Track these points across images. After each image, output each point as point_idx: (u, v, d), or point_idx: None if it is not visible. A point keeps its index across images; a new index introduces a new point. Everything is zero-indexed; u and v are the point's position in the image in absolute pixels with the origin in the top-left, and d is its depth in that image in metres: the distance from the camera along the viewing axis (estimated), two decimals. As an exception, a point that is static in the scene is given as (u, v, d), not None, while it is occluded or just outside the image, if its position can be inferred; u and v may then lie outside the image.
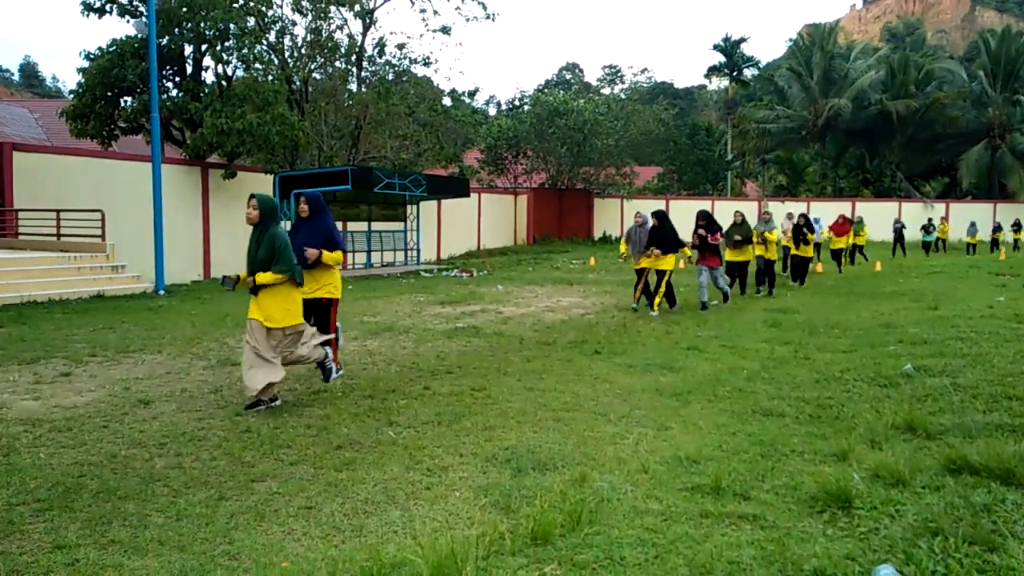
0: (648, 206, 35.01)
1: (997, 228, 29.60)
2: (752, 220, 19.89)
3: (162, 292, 14.32)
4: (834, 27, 45.99)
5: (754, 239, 13.51)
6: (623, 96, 56.06)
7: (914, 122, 40.11)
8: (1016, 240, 29.63)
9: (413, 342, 8.76)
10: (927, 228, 27.46)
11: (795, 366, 7.11)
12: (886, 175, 41.16)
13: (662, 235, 11.16)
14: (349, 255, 21.98)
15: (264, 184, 19.07)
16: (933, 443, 4.47)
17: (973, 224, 29.20)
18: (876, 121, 40.54)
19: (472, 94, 30.97)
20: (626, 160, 35.01)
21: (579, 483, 3.97)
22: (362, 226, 22.20)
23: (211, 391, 6.22)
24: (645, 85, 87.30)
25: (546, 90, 45.70)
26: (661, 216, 11.32)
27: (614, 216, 35.71)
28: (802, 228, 15.14)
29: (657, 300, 11.18)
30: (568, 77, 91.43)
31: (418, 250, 23.70)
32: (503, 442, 4.78)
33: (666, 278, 11.21)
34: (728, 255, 13.18)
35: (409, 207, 23.40)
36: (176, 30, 17.69)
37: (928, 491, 3.69)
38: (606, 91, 67.75)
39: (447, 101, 27.37)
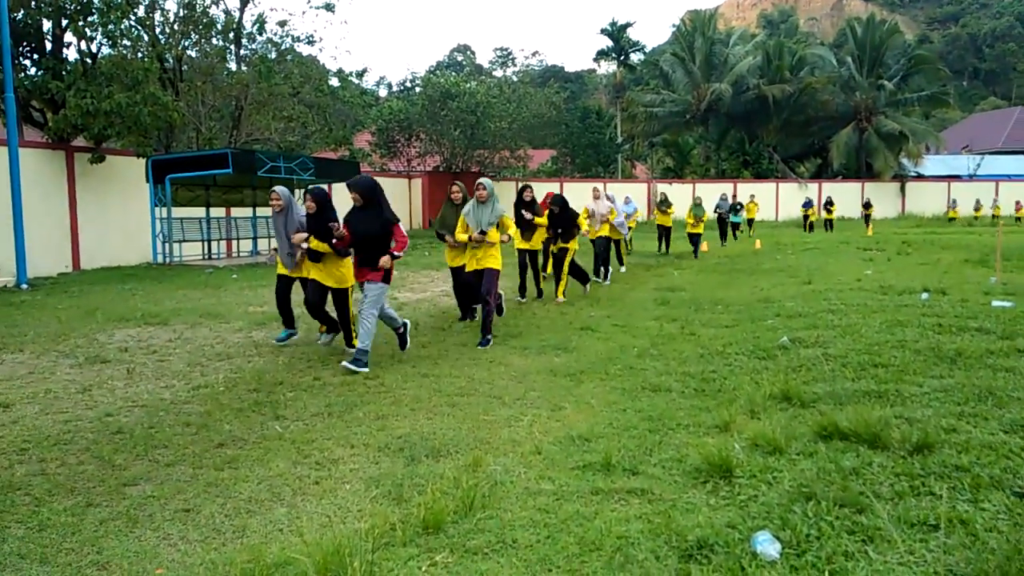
0: (542, 189, 35.39)
1: (807, 204, 30.05)
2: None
3: (25, 286, 13.26)
4: (714, 13, 47.63)
5: (460, 229, 8.23)
6: (515, 79, 56.33)
7: (789, 106, 42.23)
8: (829, 220, 29.33)
9: (303, 331, 8.47)
10: (735, 208, 25.29)
11: (682, 342, 7.35)
12: (764, 157, 43.22)
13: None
14: (233, 243, 21.10)
15: (136, 168, 17.97)
16: (807, 411, 4.70)
17: (809, 201, 30.69)
18: (754, 105, 42.43)
19: (360, 74, 30.31)
20: (520, 143, 35.16)
21: (473, 468, 3.95)
22: (246, 212, 21.33)
23: (79, 391, 5.79)
24: (536, 68, 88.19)
25: (438, 72, 45.21)
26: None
27: (509, 199, 35.82)
28: (557, 213, 10.46)
29: (355, 333, 7.21)
30: (460, 59, 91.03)
31: (308, 236, 22.98)
32: (396, 431, 4.70)
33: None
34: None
35: (297, 191, 22.64)
36: (33, 3, 16.30)
37: (802, 457, 3.88)
38: (498, 74, 68.00)
39: (334, 82, 26.59)
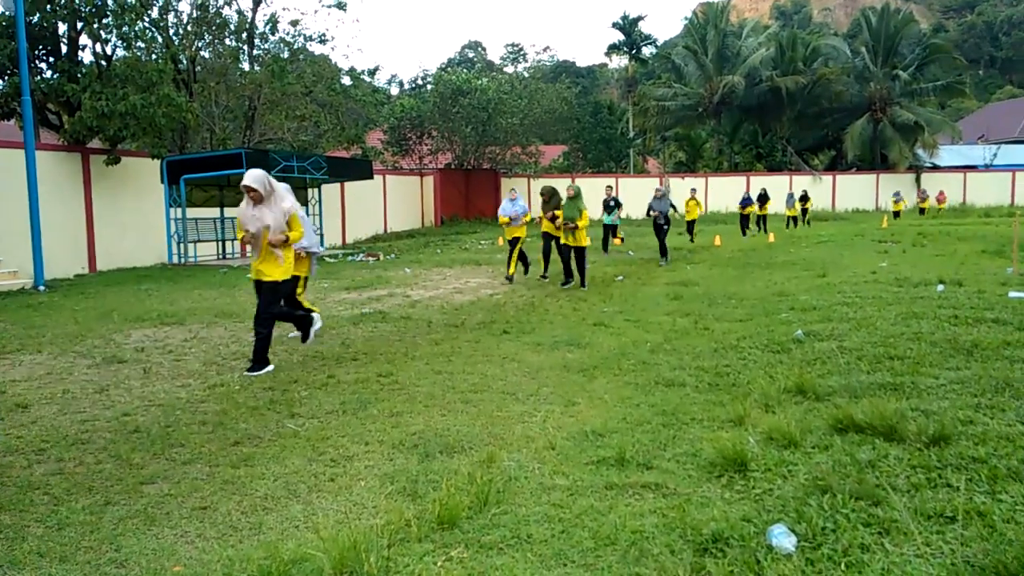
0: (555, 184, 35.36)
1: (745, 201, 24.85)
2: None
3: (42, 287, 13.41)
4: (726, 5, 47.24)
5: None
6: (526, 75, 56.30)
7: (802, 97, 41.83)
8: (805, 211, 27.24)
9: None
10: (609, 206, 18.44)
11: (695, 337, 7.32)
12: (777, 149, 42.88)
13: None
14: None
15: (151, 169, 18.11)
16: (822, 404, 4.68)
17: (791, 196, 27.55)
18: (767, 97, 42.07)
19: (372, 73, 30.42)
20: (531, 139, 35.12)
21: (487, 464, 3.96)
22: (261, 211, 21.43)
23: (96, 391, 5.85)
24: (548, 64, 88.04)
25: (449, 69, 45.21)
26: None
27: (521, 195, 35.89)
28: None
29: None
30: (471, 55, 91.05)
31: (321, 235, 23.07)
32: (410, 427, 4.71)
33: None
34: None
35: (310, 191, 22.74)
36: (48, 6, 16.46)
37: (818, 451, 3.86)
38: (509, 69, 67.96)
39: (346, 80, 26.70)
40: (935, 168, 41.44)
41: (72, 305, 11.05)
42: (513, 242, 13.18)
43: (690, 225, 22.32)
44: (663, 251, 15.87)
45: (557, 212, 11.94)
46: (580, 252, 11.77)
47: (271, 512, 3.52)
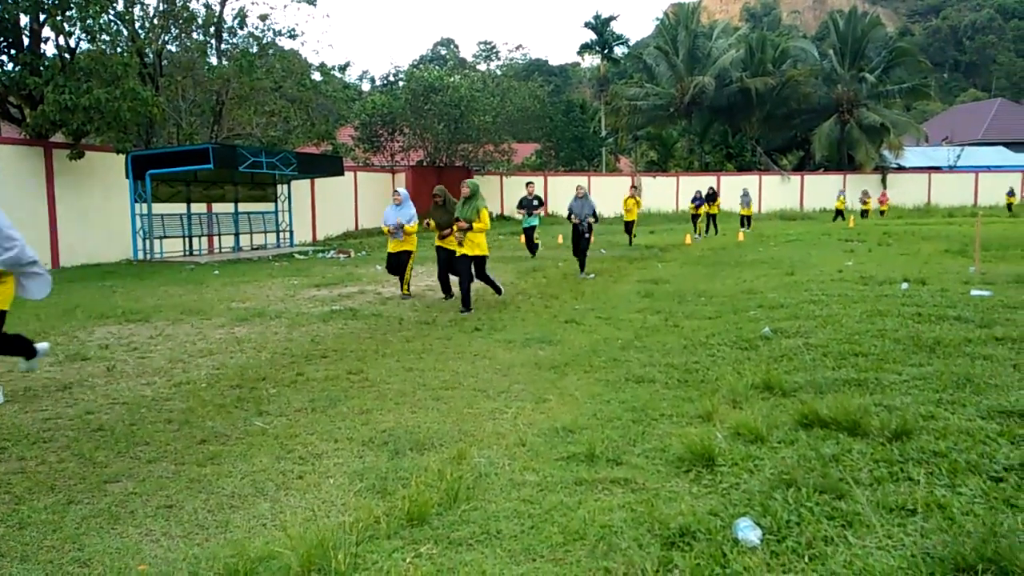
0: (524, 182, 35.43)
1: (697, 200, 24.15)
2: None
3: (4, 284, 13.11)
4: (697, 6, 47.63)
5: None
6: (499, 72, 56.27)
7: (771, 98, 42.31)
8: (746, 216, 26.41)
9: (286, 327, 8.44)
10: (529, 205, 17.24)
11: (665, 334, 7.38)
12: (747, 150, 43.34)
13: None
14: (215, 239, 20.94)
15: (116, 164, 17.79)
16: (788, 400, 4.75)
17: (745, 195, 26.65)
18: (737, 98, 42.51)
19: (343, 68, 30.25)
20: (504, 137, 35.10)
21: (457, 460, 3.96)
22: (228, 207, 21.17)
23: (59, 389, 5.75)
24: (520, 62, 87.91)
25: (421, 66, 45.04)
26: None
27: (493, 193, 35.86)
28: None
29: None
30: (443, 53, 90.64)
31: (291, 232, 22.88)
32: (380, 425, 4.69)
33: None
34: None
35: (280, 187, 22.53)
36: (9, -3, 16.10)
37: (783, 445, 3.92)
38: (482, 67, 67.80)
39: (317, 76, 26.47)
40: (900, 169, 42.20)
41: (34, 302, 10.80)
42: (401, 257, 10.82)
43: (628, 226, 20.67)
44: (581, 263, 13.30)
45: (455, 227, 9.65)
46: (480, 262, 9.72)
47: (238, 510, 3.48)
